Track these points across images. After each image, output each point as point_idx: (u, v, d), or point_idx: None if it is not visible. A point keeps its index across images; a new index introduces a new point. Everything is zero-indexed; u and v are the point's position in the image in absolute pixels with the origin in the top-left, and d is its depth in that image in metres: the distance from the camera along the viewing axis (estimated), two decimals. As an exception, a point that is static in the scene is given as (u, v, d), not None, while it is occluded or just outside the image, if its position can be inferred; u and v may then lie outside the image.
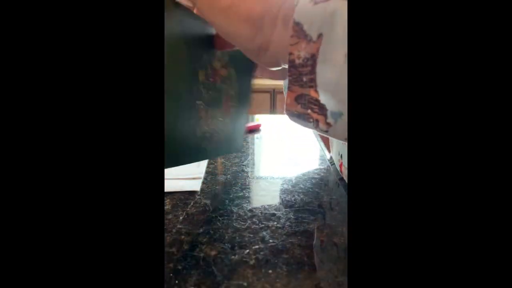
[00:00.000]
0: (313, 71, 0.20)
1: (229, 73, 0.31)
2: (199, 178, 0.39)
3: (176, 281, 0.22)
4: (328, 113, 0.21)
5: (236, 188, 0.37)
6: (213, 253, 0.25)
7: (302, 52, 0.20)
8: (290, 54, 0.21)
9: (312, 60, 0.20)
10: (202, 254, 0.25)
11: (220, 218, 0.30)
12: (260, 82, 2.02)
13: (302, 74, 0.21)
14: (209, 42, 0.29)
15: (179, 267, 0.23)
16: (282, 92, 1.89)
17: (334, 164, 0.46)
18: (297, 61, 0.21)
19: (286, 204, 0.33)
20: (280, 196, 0.35)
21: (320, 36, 0.20)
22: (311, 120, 0.22)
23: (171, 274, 0.22)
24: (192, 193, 0.35)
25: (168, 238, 0.26)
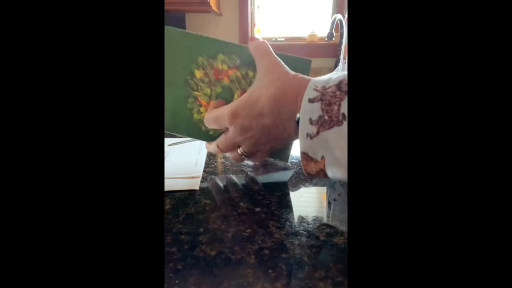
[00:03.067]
0: (325, 175, 0.30)
1: (243, 74, 0.38)
2: (197, 177, 0.39)
3: (176, 281, 0.22)
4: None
5: (236, 188, 0.37)
6: (213, 253, 0.25)
7: (313, 169, 0.30)
8: (304, 169, 0.31)
9: (323, 172, 0.29)
10: (202, 254, 0.25)
11: (220, 218, 0.30)
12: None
13: (316, 175, 0.31)
14: (203, 49, 0.38)
15: (179, 267, 0.23)
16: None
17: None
18: (311, 172, 0.31)
19: (286, 204, 0.33)
20: (280, 196, 0.35)
21: (322, 157, 0.28)
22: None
23: (171, 274, 0.22)
24: (192, 193, 0.35)
25: (168, 238, 0.26)
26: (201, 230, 0.28)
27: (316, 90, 0.28)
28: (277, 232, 0.28)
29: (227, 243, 0.26)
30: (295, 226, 0.29)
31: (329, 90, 0.27)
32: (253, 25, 2.07)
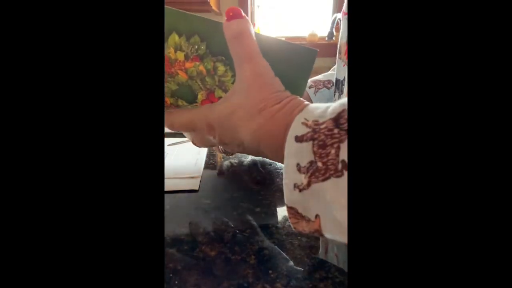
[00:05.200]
0: (321, 234, 0.21)
1: (208, 68, 0.26)
2: (197, 177, 0.39)
3: (176, 281, 0.22)
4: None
5: (236, 188, 0.37)
6: (213, 253, 0.25)
7: (305, 228, 0.21)
8: (294, 227, 0.22)
9: (319, 233, 0.21)
10: (202, 254, 0.25)
11: (220, 218, 0.30)
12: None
13: (311, 234, 0.22)
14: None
15: (179, 267, 0.23)
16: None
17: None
18: (303, 232, 0.22)
19: (286, 204, 0.33)
20: (280, 196, 0.35)
21: (317, 216, 0.20)
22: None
23: (171, 274, 0.22)
24: (192, 193, 0.35)
25: (168, 238, 0.26)
26: (201, 230, 0.28)
27: (306, 125, 0.20)
28: (277, 232, 0.28)
29: (227, 243, 0.26)
30: (295, 226, 0.29)
31: (323, 126, 0.20)
32: (253, 24, 2.07)
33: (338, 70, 0.46)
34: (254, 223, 0.29)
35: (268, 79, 0.24)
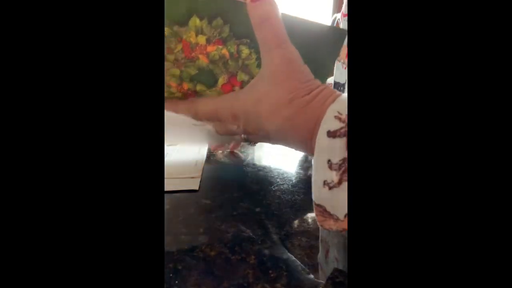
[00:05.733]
0: None
1: (232, 52, 0.25)
2: (197, 177, 0.39)
3: (176, 281, 0.22)
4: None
5: (236, 188, 0.37)
6: (213, 253, 0.25)
7: (333, 227, 0.20)
8: (321, 225, 0.21)
9: (346, 231, 0.20)
10: (202, 255, 0.25)
11: (220, 218, 0.30)
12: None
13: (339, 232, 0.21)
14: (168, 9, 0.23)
15: (179, 267, 0.23)
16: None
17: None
18: (331, 230, 0.21)
19: (286, 204, 0.33)
20: (280, 196, 0.35)
21: (345, 215, 0.19)
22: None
23: (171, 274, 0.22)
24: (192, 193, 0.35)
25: (168, 238, 0.26)
26: (201, 230, 0.28)
27: (340, 120, 0.19)
28: (277, 232, 0.28)
29: (227, 243, 0.26)
30: (295, 226, 0.29)
31: None
32: (253, 24, 2.06)
33: (337, 73, 0.45)
34: (254, 223, 0.29)
35: (297, 67, 0.23)
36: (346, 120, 0.19)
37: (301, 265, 0.24)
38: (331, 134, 0.20)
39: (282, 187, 0.37)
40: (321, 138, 0.20)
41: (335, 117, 0.20)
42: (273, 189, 0.36)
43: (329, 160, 0.20)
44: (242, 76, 0.26)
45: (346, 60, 0.42)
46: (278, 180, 0.39)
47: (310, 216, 0.31)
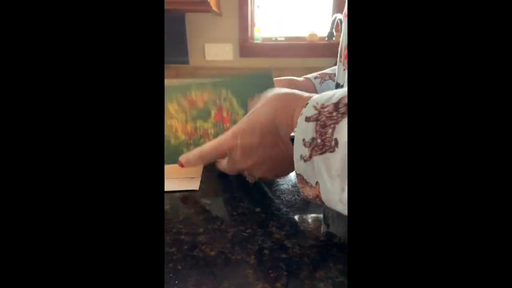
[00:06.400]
0: (321, 201, 0.26)
1: (216, 95, 0.39)
2: (197, 177, 0.39)
3: (176, 281, 0.22)
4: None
5: (236, 188, 0.37)
6: (213, 253, 0.25)
7: (309, 193, 0.27)
8: (302, 192, 0.28)
9: (319, 198, 0.26)
10: (202, 254, 0.25)
11: (220, 218, 0.30)
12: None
13: (314, 200, 0.27)
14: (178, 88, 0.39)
15: (179, 267, 0.23)
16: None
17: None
18: (308, 197, 0.27)
19: (286, 204, 0.33)
20: (280, 196, 0.35)
21: (317, 183, 0.25)
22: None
23: (171, 274, 0.22)
24: (192, 193, 0.35)
25: (168, 238, 0.26)
26: (201, 230, 0.28)
27: (315, 108, 0.25)
28: (277, 232, 0.28)
29: (227, 243, 0.26)
30: (295, 226, 0.29)
31: (326, 109, 0.24)
32: (253, 24, 2.06)
33: (339, 74, 0.45)
34: (254, 223, 0.29)
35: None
36: (319, 108, 0.24)
37: (301, 265, 0.24)
38: (307, 119, 0.25)
39: (282, 187, 0.37)
40: (300, 122, 0.25)
41: (313, 106, 0.25)
42: (273, 189, 0.36)
43: (303, 139, 0.25)
44: (228, 111, 0.40)
45: (346, 62, 0.42)
46: (278, 180, 0.39)
47: (310, 216, 0.31)
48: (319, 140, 0.23)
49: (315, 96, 0.26)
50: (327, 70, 0.56)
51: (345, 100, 0.23)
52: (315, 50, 2.00)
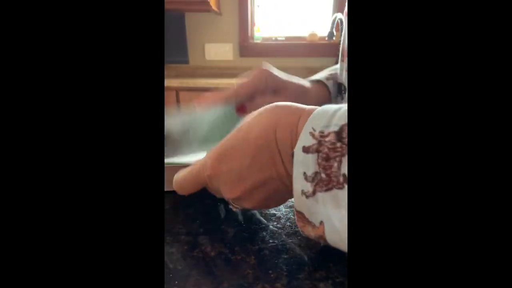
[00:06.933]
0: (325, 241, 0.22)
1: None
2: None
3: (176, 281, 0.22)
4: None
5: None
6: (213, 253, 0.25)
7: (311, 233, 0.23)
8: (301, 231, 0.24)
9: (323, 239, 0.22)
10: (202, 255, 0.25)
11: (220, 218, 0.30)
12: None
13: (317, 241, 0.23)
14: None
15: (179, 267, 0.23)
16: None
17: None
18: (310, 237, 0.24)
19: (286, 204, 0.33)
20: (280, 196, 0.35)
21: (321, 223, 0.22)
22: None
23: (171, 274, 0.22)
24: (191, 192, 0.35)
25: (168, 238, 0.26)
26: (201, 230, 0.28)
27: (313, 136, 0.21)
28: (277, 232, 0.28)
29: (227, 243, 0.26)
30: (295, 226, 0.29)
31: (327, 139, 0.21)
32: (253, 24, 2.06)
33: (341, 74, 0.45)
34: (254, 222, 0.29)
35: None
36: (318, 138, 0.21)
37: (301, 265, 0.24)
38: (305, 150, 0.22)
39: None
40: (298, 153, 0.22)
41: (310, 133, 0.22)
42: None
43: (304, 173, 0.22)
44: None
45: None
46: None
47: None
48: (323, 175, 0.21)
49: (310, 117, 0.23)
50: (335, 70, 0.54)
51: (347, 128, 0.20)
52: (315, 50, 2.00)
